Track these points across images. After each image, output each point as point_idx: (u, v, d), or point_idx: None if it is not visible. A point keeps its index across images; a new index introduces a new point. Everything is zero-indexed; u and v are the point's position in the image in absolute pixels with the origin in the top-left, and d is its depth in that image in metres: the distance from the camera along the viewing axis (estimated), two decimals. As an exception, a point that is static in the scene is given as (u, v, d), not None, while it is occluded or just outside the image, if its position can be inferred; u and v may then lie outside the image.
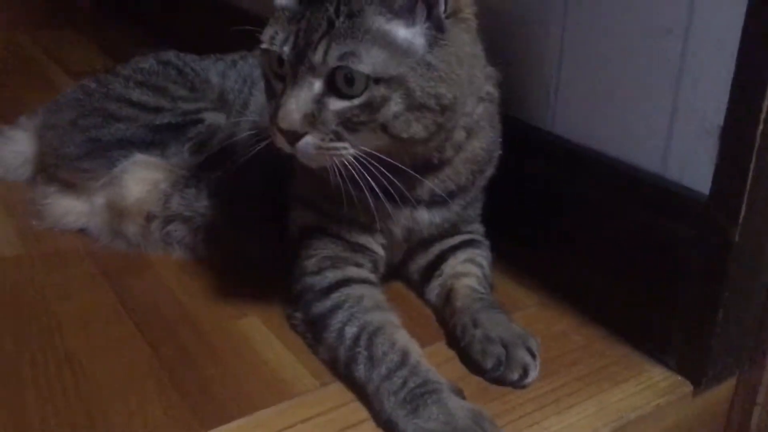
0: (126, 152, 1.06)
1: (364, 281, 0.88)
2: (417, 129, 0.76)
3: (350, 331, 0.81)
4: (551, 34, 0.95)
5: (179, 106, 1.08)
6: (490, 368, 0.81)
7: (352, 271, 0.89)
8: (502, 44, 0.98)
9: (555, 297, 0.98)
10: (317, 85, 0.74)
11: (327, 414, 0.77)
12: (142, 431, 0.74)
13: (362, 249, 0.91)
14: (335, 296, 0.85)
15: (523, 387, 0.81)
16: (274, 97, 0.78)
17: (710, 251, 0.78)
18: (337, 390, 0.81)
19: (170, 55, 1.19)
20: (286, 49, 0.74)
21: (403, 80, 0.73)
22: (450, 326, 0.89)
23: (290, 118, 0.73)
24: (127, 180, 1.05)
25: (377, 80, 0.73)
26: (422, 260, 0.97)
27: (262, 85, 1.09)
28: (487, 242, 1.00)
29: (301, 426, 0.75)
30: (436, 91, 0.75)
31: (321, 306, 0.85)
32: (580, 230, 0.96)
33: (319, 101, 0.74)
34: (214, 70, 1.17)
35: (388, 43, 0.73)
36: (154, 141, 1.06)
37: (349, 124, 0.74)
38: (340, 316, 0.83)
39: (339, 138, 0.75)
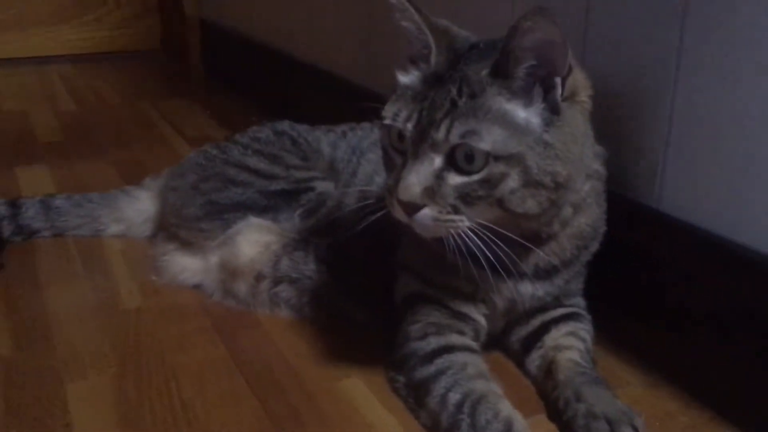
0: (241, 215, 1.13)
1: (466, 348, 0.90)
2: (531, 205, 0.79)
3: (454, 397, 0.82)
4: (659, 112, 0.96)
5: (292, 174, 1.15)
6: None
7: (455, 338, 0.91)
8: (609, 122, 1.00)
9: (660, 376, 0.96)
10: (438, 161, 0.78)
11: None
12: (252, 483, 0.77)
13: (465, 318, 0.93)
14: (439, 362, 0.87)
15: (628, 466, 0.80)
16: (393, 170, 0.83)
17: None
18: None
19: (285, 125, 1.28)
20: (410, 125, 0.79)
21: (521, 158, 0.77)
22: (552, 399, 0.89)
23: (411, 191, 0.77)
24: (240, 241, 1.11)
25: (497, 158, 0.76)
26: (523, 331, 0.98)
27: (370, 156, 1.16)
28: (588, 317, 1.00)
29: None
30: (552, 169, 0.78)
31: (425, 371, 0.87)
32: (688, 309, 0.95)
33: (439, 176, 0.78)
34: (325, 140, 1.24)
35: (507, 122, 0.77)
36: (267, 206, 1.13)
37: (467, 198, 0.78)
38: (443, 382, 0.84)
39: (456, 211, 0.79)
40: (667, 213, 0.97)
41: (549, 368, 0.92)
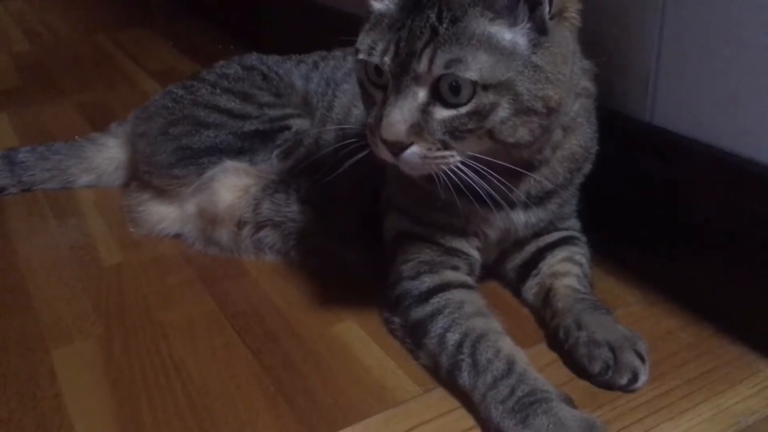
0: (216, 159, 1.07)
1: (462, 285, 0.87)
2: (523, 133, 0.74)
3: (452, 337, 0.80)
4: (648, 22, 0.90)
5: (266, 112, 1.09)
6: (597, 372, 0.79)
7: (450, 275, 0.88)
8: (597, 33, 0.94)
9: (658, 294, 0.95)
10: (422, 95, 0.72)
11: (433, 422, 0.77)
12: (253, 442, 0.75)
13: (458, 253, 0.90)
14: (435, 301, 0.85)
15: (633, 391, 0.79)
16: (373, 107, 0.77)
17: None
18: (440, 396, 0.80)
19: (254, 59, 1.20)
20: (387, 59, 0.73)
21: (511, 85, 0.71)
22: (551, 328, 0.87)
23: (395, 129, 0.72)
24: (217, 187, 1.06)
25: (485, 86, 0.71)
26: (518, 259, 0.96)
27: (345, 86, 1.10)
28: (584, 238, 0.97)
29: (409, 435, 0.75)
30: (544, 94, 0.73)
31: (420, 311, 0.84)
32: (684, 224, 0.92)
33: (424, 111, 0.73)
34: (297, 73, 1.17)
35: (493, 46, 0.71)
36: (242, 148, 1.07)
37: (456, 132, 0.73)
38: (440, 322, 0.82)
39: (445, 146, 0.74)
40: (661, 126, 0.93)
41: (547, 296, 0.90)
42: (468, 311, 0.83)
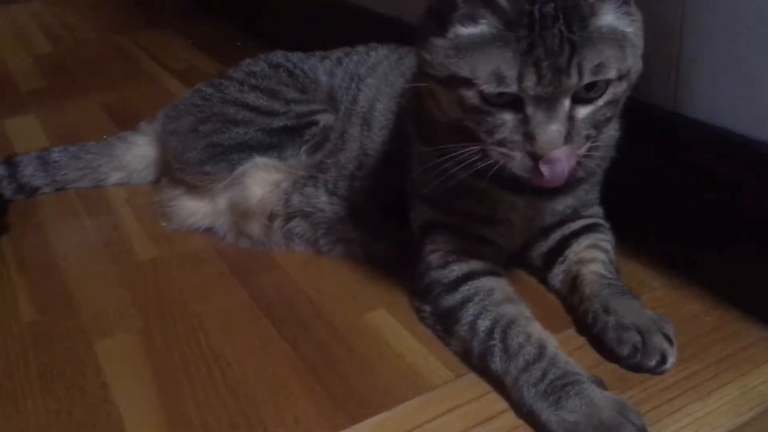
0: (246, 155, 1.10)
1: (490, 273, 0.90)
2: (615, 112, 0.78)
3: (483, 324, 0.82)
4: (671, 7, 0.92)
5: (293, 108, 1.11)
6: (626, 355, 0.81)
7: (477, 264, 0.90)
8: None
9: (681, 278, 0.96)
10: (567, 102, 0.73)
11: (466, 405, 0.79)
12: (294, 428, 0.78)
13: (485, 241, 0.92)
14: (464, 289, 0.87)
15: (662, 373, 0.81)
16: (495, 127, 0.75)
17: None
18: (472, 381, 0.83)
19: (279, 56, 1.23)
20: (530, 84, 0.71)
21: (630, 69, 0.75)
22: (579, 313, 0.89)
23: (556, 142, 0.72)
24: (249, 182, 1.09)
25: (619, 77, 0.74)
26: (543, 246, 0.98)
27: (369, 81, 1.12)
28: (608, 225, 0.99)
29: (444, 418, 0.78)
30: (638, 68, 0.77)
31: (451, 299, 0.87)
32: (706, 209, 0.94)
33: (571, 116, 0.74)
34: (322, 69, 1.19)
35: (618, 38, 0.73)
36: (271, 143, 1.10)
37: (597, 124, 0.76)
38: (471, 309, 0.84)
39: (588, 139, 0.76)
40: (684, 114, 0.94)
41: (574, 282, 0.92)
42: (497, 298, 0.85)
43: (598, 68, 0.72)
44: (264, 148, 1.10)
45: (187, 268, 1.09)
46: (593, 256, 0.93)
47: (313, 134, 1.09)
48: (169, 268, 1.09)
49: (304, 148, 1.09)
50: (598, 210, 0.99)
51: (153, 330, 0.95)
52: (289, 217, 1.09)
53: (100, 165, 1.33)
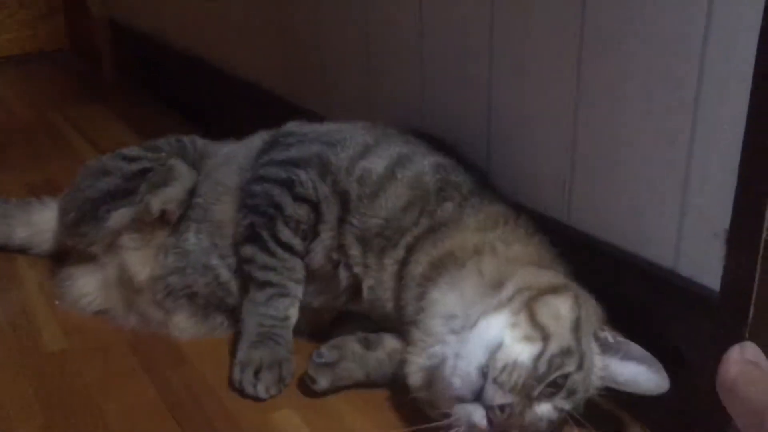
0: (109, 206, 1.11)
1: None
2: None
3: None
4: (564, 131, 1.00)
5: (158, 155, 1.16)
6: None
7: None
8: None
9: None
10: None
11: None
12: None
13: None
14: None
15: None
16: None
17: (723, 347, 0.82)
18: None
19: (188, 137, 1.27)
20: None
21: None
22: None
23: None
24: (125, 243, 1.13)
25: None
26: None
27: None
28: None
29: None
30: None
31: None
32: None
33: None
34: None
35: None
36: (127, 189, 1.12)
37: None
38: None
39: None
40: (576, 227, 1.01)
41: None
42: None
43: None
44: (123, 195, 1.11)
45: (95, 361, 1.08)
46: None
47: (157, 171, 1.12)
48: (77, 361, 1.08)
49: (142, 186, 1.11)
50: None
51: (54, 426, 0.94)
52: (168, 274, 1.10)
53: (13, 216, 1.32)
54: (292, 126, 1.17)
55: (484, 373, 0.78)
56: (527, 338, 0.80)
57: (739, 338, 0.80)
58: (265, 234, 1.03)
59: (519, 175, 1.08)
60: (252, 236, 1.04)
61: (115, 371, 1.06)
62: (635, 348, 0.84)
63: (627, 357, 0.85)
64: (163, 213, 1.11)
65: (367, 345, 0.98)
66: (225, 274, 1.09)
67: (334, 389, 0.97)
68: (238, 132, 1.29)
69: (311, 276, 1.05)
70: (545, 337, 0.80)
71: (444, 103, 1.21)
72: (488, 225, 0.96)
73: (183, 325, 1.12)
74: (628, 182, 0.93)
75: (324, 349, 0.97)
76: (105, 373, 1.05)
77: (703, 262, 0.85)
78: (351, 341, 0.98)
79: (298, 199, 1.02)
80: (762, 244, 0.76)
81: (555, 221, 1.03)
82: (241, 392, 0.98)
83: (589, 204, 0.99)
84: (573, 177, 1.00)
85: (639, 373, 0.84)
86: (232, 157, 1.17)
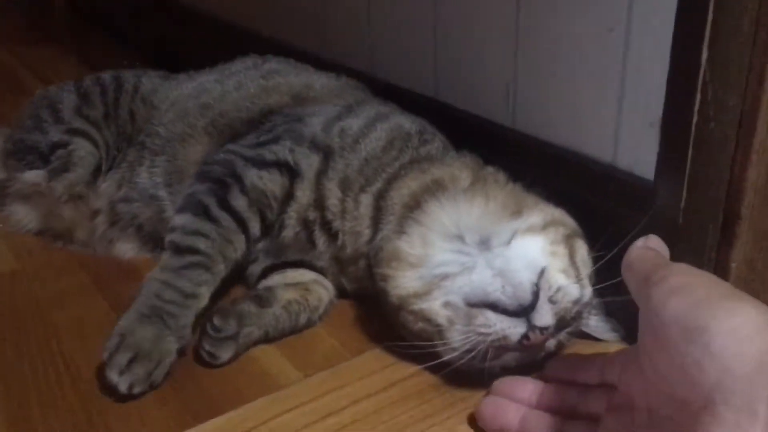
0: (30, 161, 1.19)
1: None
2: None
3: None
4: (506, 31, 1.00)
5: (71, 124, 1.21)
6: None
7: None
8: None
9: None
10: None
11: (311, 403, 0.83)
12: (140, 428, 0.80)
13: None
14: None
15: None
16: None
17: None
18: (319, 381, 0.86)
19: (130, 75, 1.29)
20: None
21: None
22: None
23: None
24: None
25: None
26: None
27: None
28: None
29: (287, 415, 0.81)
30: None
31: None
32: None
33: None
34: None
35: None
36: (46, 156, 1.18)
37: None
38: None
39: None
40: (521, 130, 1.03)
41: None
42: None
43: None
44: (41, 158, 1.18)
45: (46, 279, 1.08)
46: None
47: (58, 156, 1.16)
48: (27, 280, 1.08)
49: (47, 168, 1.16)
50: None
51: (4, 340, 0.94)
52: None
53: None
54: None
55: (533, 291, 0.78)
56: (565, 272, 0.81)
57: (673, 224, 0.83)
58: (209, 200, 0.94)
59: (465, 84, 1.09)
60: (190, 204, 0.95)
61: (66, 288, 1.06)
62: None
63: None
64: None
65: (261, 303, 0.92)
66: (170, 210, 1.07)
67: (236, 357, 0.90)
68: (196, 65, 1.30)
69: (282, 248, 1.00)
70: (580, 280, 0.81)
71: (389, 12, 1.20)
72: (475, 165, 0.95)
73: (129, 255, 1.13)
74: (568, 81, 0.94)
75: (217, 320, 0.87)
76: (56, 291, 1.05)
77: (640, 154, 0.87)
78: (242, 303, 0.91)
79: (267, 165, 0.96)
80: (693, 129, 0.78)
81: (500, 126, 1.04)
82: (101, 370, 0.83)
83: (533, 107, 1.00)
84: (516, 81, 1.01)
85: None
86: (203, 92, 1.17)
